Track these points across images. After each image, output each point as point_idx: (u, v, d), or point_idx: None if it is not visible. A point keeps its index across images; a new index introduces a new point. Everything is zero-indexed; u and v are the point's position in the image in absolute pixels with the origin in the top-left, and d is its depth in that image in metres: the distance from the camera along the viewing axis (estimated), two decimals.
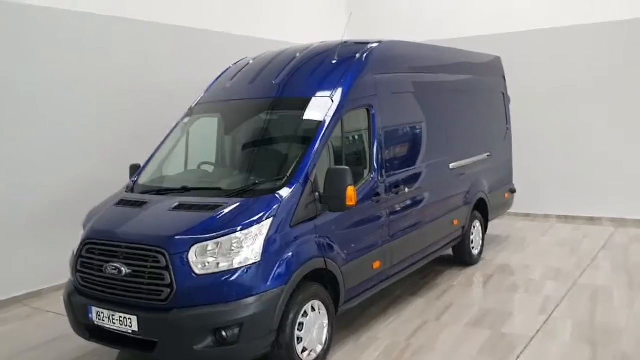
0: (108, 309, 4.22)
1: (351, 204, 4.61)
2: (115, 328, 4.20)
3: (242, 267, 4.07)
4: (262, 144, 5.28)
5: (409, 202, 5.92)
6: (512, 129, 8.83)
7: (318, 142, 4.77)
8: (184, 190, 4.85)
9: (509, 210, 8.99)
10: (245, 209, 4.31)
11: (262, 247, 4.16)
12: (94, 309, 4.30)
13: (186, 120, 5.76)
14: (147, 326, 4.05)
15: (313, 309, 4.58)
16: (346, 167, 4.62)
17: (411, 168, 6.03)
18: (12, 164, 6.34)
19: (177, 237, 4.11)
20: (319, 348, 4.65)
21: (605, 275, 6.93)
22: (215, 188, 4.75)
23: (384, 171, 5.49)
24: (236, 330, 4.00)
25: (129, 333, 4.14)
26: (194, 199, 4.60)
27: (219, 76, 6.18)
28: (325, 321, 4.72)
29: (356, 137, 5.50)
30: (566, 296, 6.20)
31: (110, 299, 4.26)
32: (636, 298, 6.05)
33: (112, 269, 4.21)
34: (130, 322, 4.10)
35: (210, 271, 4.04)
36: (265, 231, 4.20)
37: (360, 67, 5.37)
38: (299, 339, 4.43)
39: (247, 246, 4.11)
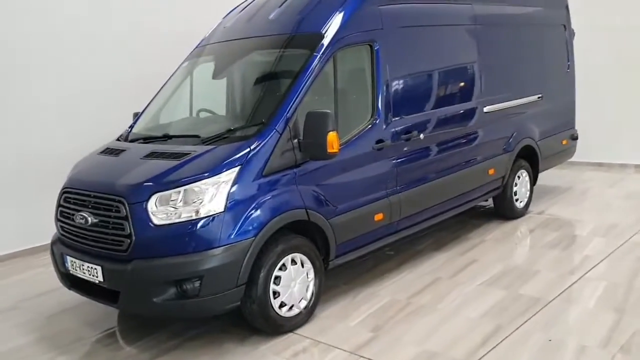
0: (79, 259, 4.15)
1: (332, 151, 4.20)
2: (85, 278, 4.13)
3: (204, 217, 3.83)
4: (248, 87, 4.96)
5: (424, 149, 5.39)
6: (575, 67, 7.85)
7: (300, 84, 4.36)
8: (166, 137, 4.65)
9: (577, 160, 8.14)
10: (211, 157, 4.03)
11: (226, 197, 3.88)
12: (69, 258, 4.25)
13: (185, 64, 5.52)
14: (110, 277, 3.94)
15: (294, 262, 4.28)
16: (327, 111, 4.19)
17: (428, 112, 5.46)
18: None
19: (136, 186, 3.92)
20: (303, 303, 4.37)
21: None
22: (194, 135, 4.49)
23: (390, 115, 4.98)
24: (196, 284, 3.79)
25: (96, 283, 4.05)
26: (168, 147, 4.39)
27: (225, 16, 5.85)
28: (311, 275, 4.41)
29: (356, 77, 5.01)
30: (610, 256, 5.48)
31: (81, 248, 4.19)
32: None
33: (80, 218, 4.12)
34: (96, 272, 4.01)
35: (169, 221, 3.83)
36: (230, 181, 3.91)
37: None
38: (276, 293, 4.16)
39: (210, 196, 3.85)
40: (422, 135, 5.30)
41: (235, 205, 3.90)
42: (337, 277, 5.27)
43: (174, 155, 4.13)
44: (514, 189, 6.81)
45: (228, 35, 5.33)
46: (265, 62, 4.90)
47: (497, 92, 6.32)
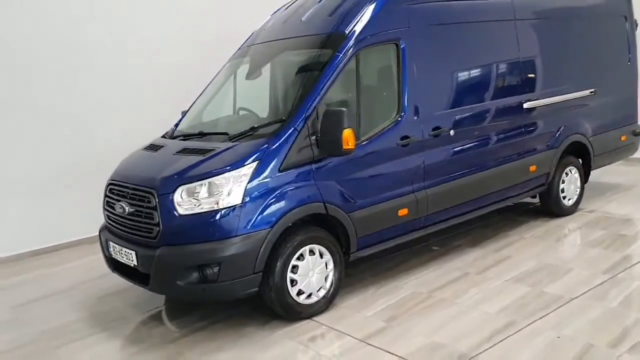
0: (118, 244, 4.59)
1: (348, 148, 4.39)
2: (124, 261, 4.56)
3: (223, 209, 4.13)
4: (276, 86, 5.22)
5: (455, 146, 5.43)
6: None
7: (321, 83, 4.57)
8: (201, 135, 5.01)
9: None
10: (232, 154, 4.33)
11: (244, 190, 4.17)
12: (111, 244, 4.71)
13: (228, 64, 5.86)
14: (142, 261, 4.34)
15: (313, 253, 4.51)
16: (342, 109, 4.38)
17: (459, 109, 5.49)
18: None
19: (165, 179, 4.30)
20: (322, 292, 4.59)
21: None
22: (224, 133, 4.82)
23: (417, 112, 5.08)
24: (215, 269, 4.10)
25: (132, 267, 4.48)
26: (200, 143, 4.74)
27: (269, 17, 6.13)
28: (330, 266, 4.62)
29: (381, 75, 5.15)
30: None
31: (120, 234, 4.63)
32: None
33: (119, 208, 4.56)
34: (132, 257, 4.43)
35: (193, 212, 4.17)
36: (248, 175, 4.19)
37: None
38: (294, 282, 4.41)
39: (229, 189, 4.15)
40: (452, 132, 5.35)
41: (252, 198, 4.18)
42: (365, 270, 5.45)
43: (201, 152, 4.47)
44: (561, 186, 6.66)
45: (265, 37, 5.62)
46: (294, 62, 5.14)
47: (538, 88, 6.22)
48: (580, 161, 6.96)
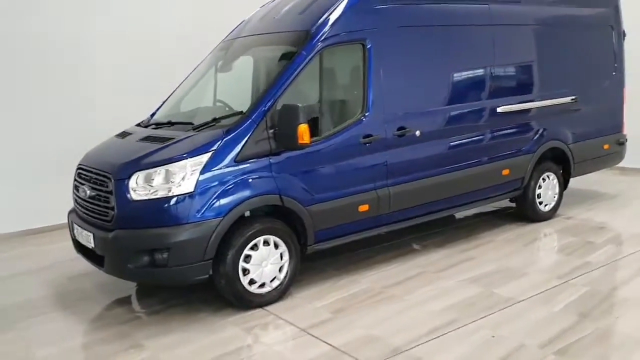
0: (80, 226, 4.77)
1: (303, 142, 4.51)
2: (84, 243, 4.74)
3: (175, 196, 4.29)
4: (244, 80, 5.34)
5: (421, 146, 5.50)
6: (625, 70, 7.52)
7: (283, 79, 4.70)
8: (170, 124, 5.17)
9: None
10: (190, 143, 4.49)
11: (197, 179, 4.31)
12: (76, 226, 4.89)
13: (209, 56, 5.99)
14: (98, 243, 4.52)
15: (267, 244, 4.63)
16: (297, 104, 4.50)
17: (427, 110, 5.57)
18: None
19: (121, 165, 4.47)
20: (275, 283, 4.72)
21: None
22: (189, 123, 4.97)
23: (382, 112, 5.18)
24: (165, 254, 4.26)
25: (90, 248, 4.65)
26: (164, 132, 4.91)
27: (257, 10, 6.21)
28: (286, 257, 4.74)
29: (347, 73, 5.26)
30: (610, 264, 5.32)
31: (83, 217, 4.81)
32: None
33: (82, 192, 4.74)
34: (90, 239, 4.61)
35: (146, 197, 4.33)
36: (202, 164, 4.33)
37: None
38: (246, 271, 4.54)
39: (182, 177, 4.30)
40: (418, 133, 5.43)
41: (205, 187, 4.33)
42: (330, 263, 5.58)
43: (161, 140, 4.63)
44: (538, 191, 6.69)
45: (244, 32, 5.76)
46: (263, 58, 5.28)
47: (514, 93, 6.27)
48: (560, 168, 6.96)
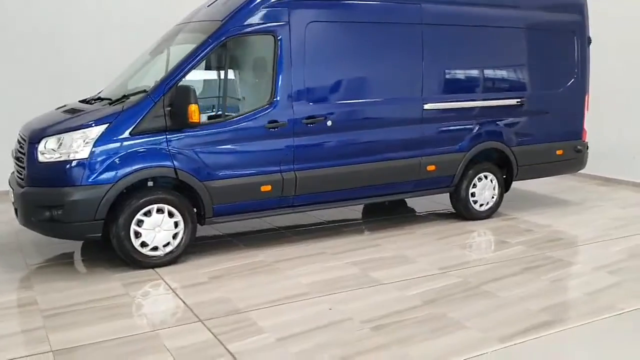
0: (11, 185, 5.44)
1: (192, 121, 4.97)
2: (11, 199, 5.41)
3: (72, 160, 4.87)
4: (162, 63, 5.81)
5: (333, 135, 5.82)
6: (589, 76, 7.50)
7: (187, 63, 5.19)
8: (99, 99, 5.75)
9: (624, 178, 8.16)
10: (91, 115, 5.07)
11: (91, 147, 4.87)
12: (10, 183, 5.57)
13: (160, 39, 6.49)
14: (14, 198, 5.17)
15: (161, 212, 5.13)
16: (189, 86, 4.97)
17: (340, 102, 5.88)
18: None
19: (35, 131, 5.09)
20: (169, 248, 5.20)
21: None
22: (108, 98, 5.52)
23: (291, 100, 5.55)
24: (60, 211, 4.85)
25: (13, 204, 5.32)
26: (86, 106, 5.49)
27: None
28: (181, 226, 5.21)
29: (257, 62, 5.66)
30: (501, 262, 5.47)
31: (14, 178, 5.46)
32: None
33: (13, 154, 5.41)
34: (12, 195, 5.26)
35: (49, 160, 4.93)
36: (97, 134, 4.89)
37: None
38: (138, 234, 5.06)
39: (79, 145, 4.87)
40: (329, 122, 5.76)
41: (99, 155, 4.89)
42: (246, 241, 6.04)
43: (74, 111, 5.22)
44: (472, 190, 6.83)
45: (188, 18, 6.26)
46: (181, 43, 5.74)
47: (446, 92, 6.45)
48: (503, 169, 7.06)
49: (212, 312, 4.29)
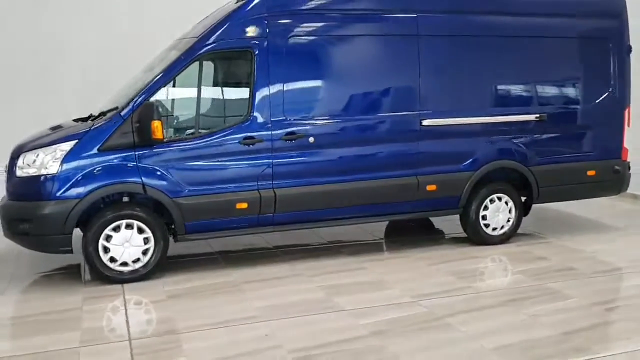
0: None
1: (156, 137, 4.97)
2: None
3: (42, 175, 5.01)
4: (142, 78, 5.81)
5: (316, 153, 5.62)
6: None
7: (160, 80, 5.21)
8: (90, 116, 5.90)
9: None
10: (64, 132, 5.22)
11: (60, 163, 4.99)
12: None
13: (158, 54, 6.58)
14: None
15: (130, 227, 5.16)
16: (152, 102, 4.99)
17: (325, 119, 5.65)
18: None
19: (17, 147, 5.31)
20: (139, 264, 5.21)
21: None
22: (91, 115, 5.64)
23: (269, 117, 5.42)
24: (29, 225, 5.01)
25: None
26: (71, 123, 5.65)
27: None
28: (151, 242, 5.22)
29: (233, 78, 5.59)
30: (483, 293, 5.00)
31: None
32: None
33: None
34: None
35: (24, 175, 5.11)
36: (65, 151, 5.01)
37: (243, 9, 5.40)
38: (107, 249, 5.12)
39: (49, 160, 5.01)
40: (312, 139, 5.56)
41: (67, 171, 5.00)
42: (231, 259, 5.98)
43: (55, 129, 5.40)
44: (482, 212, 6.32)
45: (182, 35, 6.32)
46: (164, 59, 5.77)
47: (444, 107, 6.03)
48: (522, 191, 6.51)
49: (146, 331, 4.22)
